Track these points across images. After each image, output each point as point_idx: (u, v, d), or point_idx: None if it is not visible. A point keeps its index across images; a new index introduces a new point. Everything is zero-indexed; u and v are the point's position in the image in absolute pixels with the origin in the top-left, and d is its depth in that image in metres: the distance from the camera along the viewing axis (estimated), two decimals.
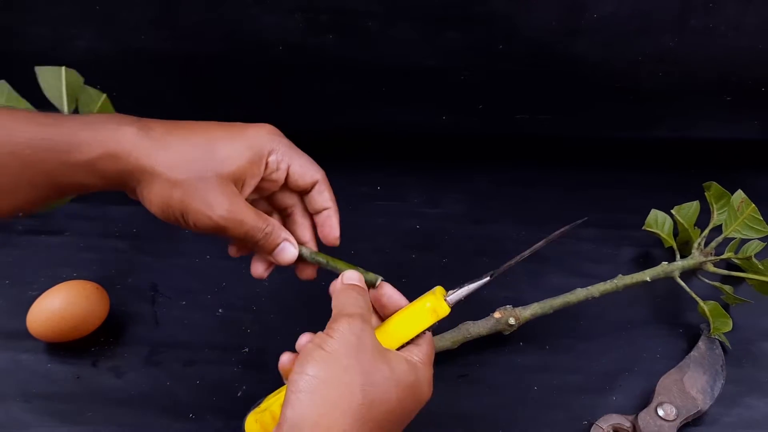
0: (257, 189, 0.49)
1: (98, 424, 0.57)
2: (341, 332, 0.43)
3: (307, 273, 0.52)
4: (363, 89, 0.79)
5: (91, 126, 0.45)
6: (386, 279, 0.68)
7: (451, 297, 0.49)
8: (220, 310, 0.65)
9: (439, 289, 0.49)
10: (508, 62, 0.76)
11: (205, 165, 0.46)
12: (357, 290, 0.48)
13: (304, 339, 0.48)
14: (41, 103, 0.78)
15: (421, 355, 0.46)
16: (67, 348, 0.61)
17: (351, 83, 0.78)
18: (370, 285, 0.50)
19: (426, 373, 0.45)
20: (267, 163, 0.48)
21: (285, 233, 0.50)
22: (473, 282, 0.50)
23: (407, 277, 0.69)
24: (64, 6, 0.71)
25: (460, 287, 0.50)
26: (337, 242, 0.51)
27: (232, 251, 0.51)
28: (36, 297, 0.60)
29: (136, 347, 0.62)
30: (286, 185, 0.50)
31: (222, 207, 0.46)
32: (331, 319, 0.45)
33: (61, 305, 0.60)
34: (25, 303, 0.60)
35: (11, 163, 0.43)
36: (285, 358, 0.48)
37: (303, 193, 0.51)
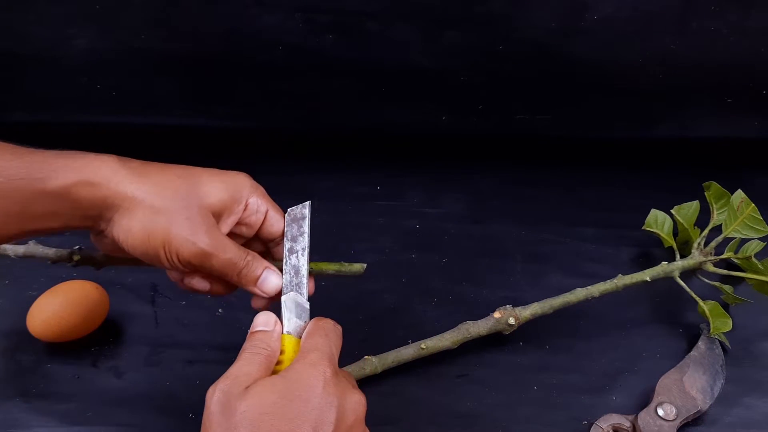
0: (231, 234, 0.49)
1: (98, 424, 0.57)
2: (207, 407, 0.42)
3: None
4: (363, 90, 0.79)
5: (67, 155, 0.44)
6: (386, 279, 0.69)
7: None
8: (220, 310, 0.65)
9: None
10: (507, 63, 0.76)
11: (188, 194, 0.45)
12: (252, 340, 0.46)
13: None
14: (41, 105, 0.79)
15: (300, 359, 0.44)
16: (67, 348, 0.61)
17: (350, 84, 0.78)
18: (357, 275, 0.51)
19: (299, 370, 0.42)
20: (247, 204, 0.49)
21: (266, 262, 0.49)
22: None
23: (407, 277, 0.69)
24: (64, 6, 0.71)
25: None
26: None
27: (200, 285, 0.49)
28: (36, 297, 0.60)
29: (136, 347, 0.62)
30: (258, 234, 0.51)
31: (206, 235, 0.45)
32: None
33: (61, 305, 0.60)
34: (25, 303, 0.60)
35: None
36: None
37: (272, 242, 0.51)
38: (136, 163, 0.45)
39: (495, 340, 0.61)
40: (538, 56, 0.76)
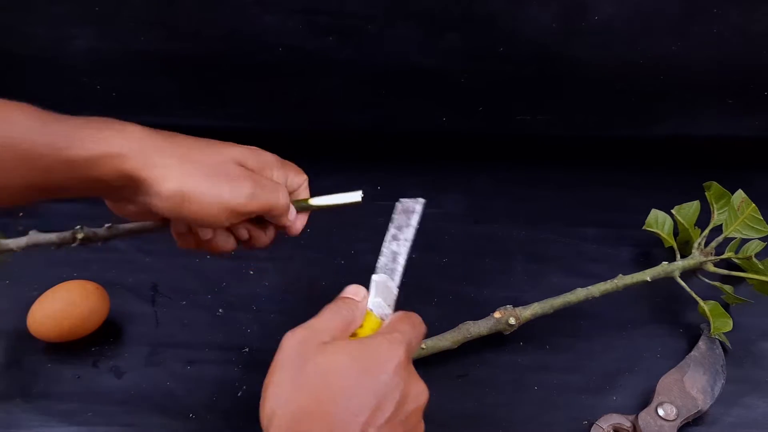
0: None
1: (98, 424, 0.57)
2: (282, 349, 0.42)
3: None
4: (363, 90, 0.79)
5: (93, 125, 0.44)
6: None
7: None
8: (220, 310, 0.65)
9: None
10: (508, 64, 0.76)
11: (221, 153, 0.47)
12: (338, 303, 0.46)
13: None
14: (41, 105, 0.79)
15: (383, 333, 0.44)
16: (67, 348, 0.61)
17: (351, 84, 0.78)
18: (355, 203, 0.53)
19: (379, 343, 0.43)
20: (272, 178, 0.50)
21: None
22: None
23: (407, 277, 0.69)
24: (64, 6, 0.71)
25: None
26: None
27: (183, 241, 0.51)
28: (36, 297, 0.60)
29: (136, 347, 0.62)
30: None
31: (248, 179, 0.47)
32: None
33: (61, 305, 0.60)
34: (25, 303, 0.60)
35: (7, 157, 0.42)
36: None
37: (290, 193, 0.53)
38: (163, 134, 0.46)
39: (495, 340, 0.61)
40: (539, 57, 0.76)
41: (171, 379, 0.60)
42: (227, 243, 0.51)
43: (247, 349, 0.62)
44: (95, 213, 0.72)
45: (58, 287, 0.61)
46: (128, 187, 0.45)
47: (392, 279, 0.50)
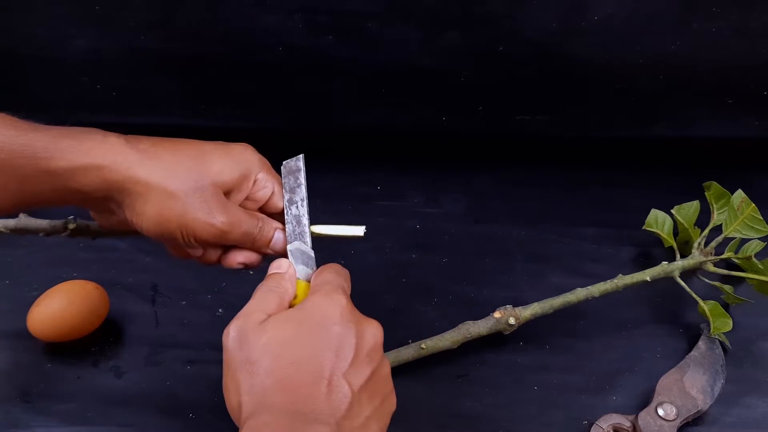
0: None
1: (98, 424, 0.57)
2: (226, 348, 0.43)
3: None
4: (363, 90, 0.79)
5: (74, 135, 0.43)
6: (386, 279, 0.69)
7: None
8: (220, 310, 0.65)
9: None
10: (508, 63, 0.76)
11: (201, 175, 0.46)
12: (267, 281, 0.47)
13: None
14: (41, 105, 0.79)
15: (314, 292, 0.45)
16: (67, 348, 0.61)
17: (351, 84, 0.78)
18: (356, 237, 0.52)
19: (316, 300, 0.43)
20: (256, 180, 0.49)
21: (275, 223, 0.50)
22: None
23: (407, 277, 0.69)
24: (64, 6, 0.71)
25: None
26: None
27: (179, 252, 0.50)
28: (36, 297, 0.60)
29: (136, 347, 0.62)
30: (263, 208, 0.51)
31: (222, 214, 0.46)
32: None
33: (61, 305, 0.60)
34: (25, 303, 0.60)
35: None
36: None
37: (276, 215, 0.52)
38: (145, 144, 0.45)
39: (495, 340, 0.61)
40: (538, 56, 0.76)
41: (171, 379, 0.60)
42: (217, 258, 0.51)
43: None
44: None
45: (58, 287, 0.61)
46: (110, 199, 0.45)
47: (304, 242, 0.50)
